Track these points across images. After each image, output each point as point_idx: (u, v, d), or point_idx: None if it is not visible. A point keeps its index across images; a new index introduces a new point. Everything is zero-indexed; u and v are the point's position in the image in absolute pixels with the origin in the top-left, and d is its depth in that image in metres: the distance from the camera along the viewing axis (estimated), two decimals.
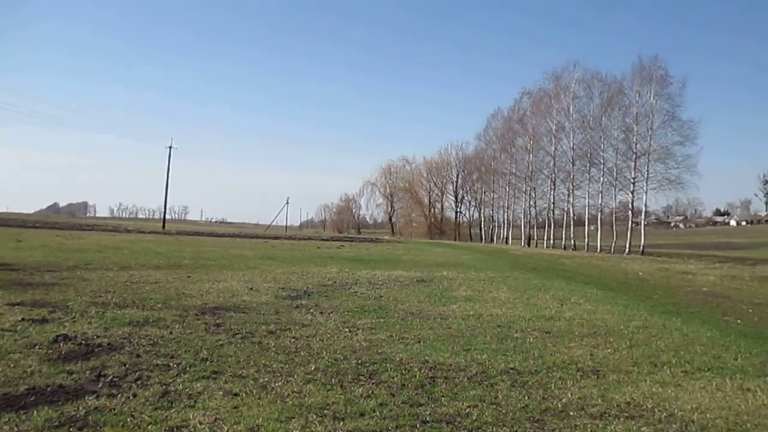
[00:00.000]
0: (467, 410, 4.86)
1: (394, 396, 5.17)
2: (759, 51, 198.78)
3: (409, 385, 5.53)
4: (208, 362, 6.03)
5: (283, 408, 4.71)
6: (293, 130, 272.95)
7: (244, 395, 5.00)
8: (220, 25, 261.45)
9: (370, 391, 5.27)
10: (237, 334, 7.56)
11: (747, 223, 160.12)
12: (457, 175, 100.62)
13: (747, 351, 7.84)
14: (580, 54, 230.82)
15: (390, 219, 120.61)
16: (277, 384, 5.36)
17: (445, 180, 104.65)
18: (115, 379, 5.30)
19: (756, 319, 11.46)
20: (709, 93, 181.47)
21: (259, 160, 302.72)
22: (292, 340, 7.37)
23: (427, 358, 6.66)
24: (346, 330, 8.20)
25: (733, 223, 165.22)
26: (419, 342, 7.55)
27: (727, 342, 8.46)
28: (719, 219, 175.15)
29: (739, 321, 11.15)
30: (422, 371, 6.06)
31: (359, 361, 6.37)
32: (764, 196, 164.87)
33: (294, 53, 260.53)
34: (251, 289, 12.40)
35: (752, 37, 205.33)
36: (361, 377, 5.76)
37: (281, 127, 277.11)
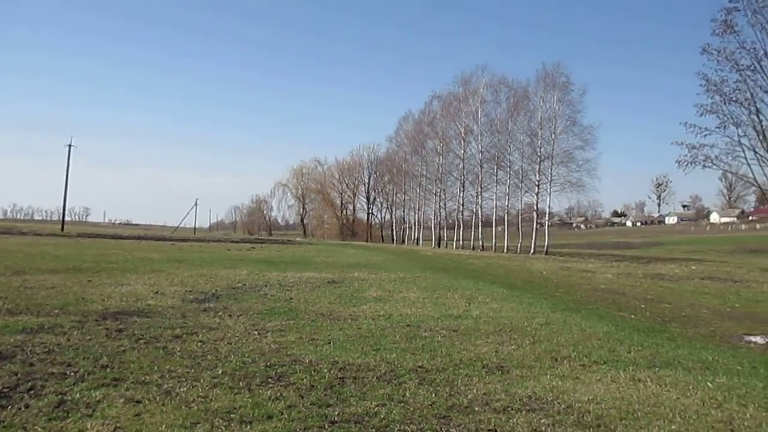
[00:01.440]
0: (376, 409, 4.91)
1: (302, 397, 5.15)
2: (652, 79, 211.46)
3: (318, 386, 5.53)
4: (108, 369, 5.81)
5: (188, 414, 4.60)
6: (202, 130, 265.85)
7: (146, 402, 4.84)
8: (125, 24, 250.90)
9: (279, 394, 5.23)
10: (140, 339, 7.32)
11: (641, 223, 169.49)
12: (369, 177, 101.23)
13: (639, 344, 8.30)
14: (489, 59, 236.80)
15: (302, 220, 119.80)
16: (182, 389, 5.22)
17: (357, 181, 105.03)
18: (4, 390, 5.01)
19: (648, 314, 12.15)
20: (610, 100, 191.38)
21: (167, 161, 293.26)
22: (199, 344, 7.20)
23: (336, 358, 6.67)
24: (255, 332, 8.09)
25: (629, 223, 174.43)
26: (329, 343, 7.55)
27: (622, 336, 8.93)
28: (617, 220, 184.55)
29: (632, 316, 11.79)
30: (332, 372, 6.06)
31: (268, 364, 6.30)
32: (657, 199, 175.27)
33: (200, 55, 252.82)
34: (157, 292, 12.02)
35: (650, 68, 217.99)
36: (270, 380, 5.70)
37: (190, 127, 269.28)
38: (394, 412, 4.86)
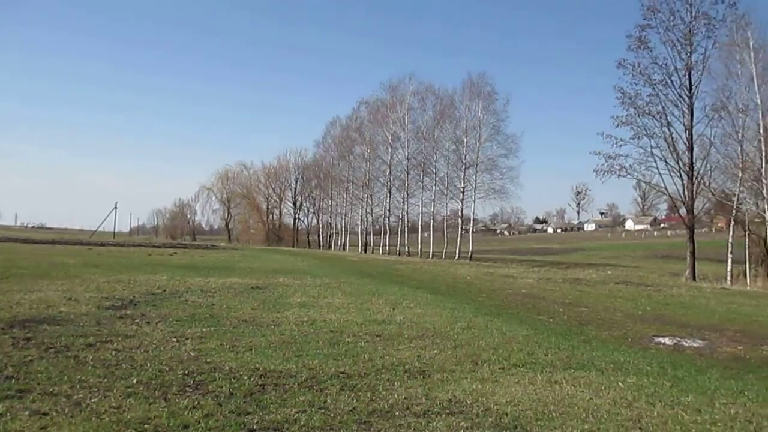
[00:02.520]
0: (296, 416, 4.86)
1: (221, 406, 5.04)
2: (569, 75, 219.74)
3: (238, 394, 5.42)
4: (13, 380, 5.50)
5: (99, 425, 4.41)
6: (122, 131, 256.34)
7: (54, 414, 4.62)
8: (45, 16, 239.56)
9: (196, 402, 5.10)
10: (50, 348, 6.98)
11: (562, 230, 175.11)
12: (296, 182, 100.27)
13: (556, 347, 8.56)
14: (416, 67, 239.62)
15: (227, 225, 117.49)
16: (93, 400, 5.01)
17: (283, 186, 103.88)
18: None
19: (565, 318, 12.56)
20: (531, 110, 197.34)
21: (86, 162, 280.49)
22: (114, 352, 6.93)
23: (258, 365, 6.56)
24: (174, 340, 7.87)
25: (550, 230, 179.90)
26: (251, 350, 7.42)
27: (540, 339, 9.19)
28: (539, 226, 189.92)
29: (551, 320, 12.15)
30: (252, 379, 5.96)
31: (186, 372, 6.14)
32: (576, 206, 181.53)
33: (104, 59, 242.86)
34: (70, 299, 11.51)
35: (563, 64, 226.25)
36: (187, 388, 5.55)
37: (109, 128, 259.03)
38: (315, 418, 4.82)
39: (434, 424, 4.81)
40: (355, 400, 5.37)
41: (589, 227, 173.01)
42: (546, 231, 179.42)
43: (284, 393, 5.53)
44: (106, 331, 8.27)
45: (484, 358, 7.45)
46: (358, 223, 69.38)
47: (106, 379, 5.70)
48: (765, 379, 7.32)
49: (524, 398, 5.65)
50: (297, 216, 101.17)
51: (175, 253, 38.54)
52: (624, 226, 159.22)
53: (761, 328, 12.21)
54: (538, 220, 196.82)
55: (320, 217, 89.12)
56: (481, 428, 4.76)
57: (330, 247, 79.22)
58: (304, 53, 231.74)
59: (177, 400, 5.16)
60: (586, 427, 4.87)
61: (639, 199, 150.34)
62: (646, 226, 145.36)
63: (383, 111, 60.08)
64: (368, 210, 65.98)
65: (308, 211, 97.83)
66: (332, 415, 4.94)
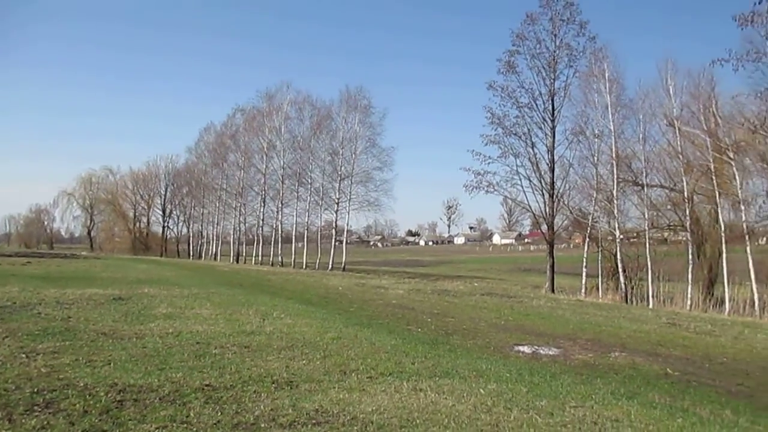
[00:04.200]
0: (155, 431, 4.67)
1: (73, 425, 4.74)
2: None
3: (93, 411, 5.13)
4: None
5: None
6: None
7: None
8: None
9: (46, 422, 4.76)
10: None
11: (433, 243, 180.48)
12: (166, 189, 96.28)
13: (423, 356, 8.78)
14: (293, 76, 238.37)
15: (89, 233, 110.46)
16: None
17: (152, 193, 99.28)
18: None
19: (433, 328, 12.93)
20: (406, 125, 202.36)
21: None
22: None
23: (116, 380, 6.23)
24: (23, 355, 7.30)
25: (422, 242, 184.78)
26: (109, 364, 7.03)
27: (408, 348, 9.38)
28: (411, 239, 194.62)
29: (419, 330, 12.46)
30: (109, 395, 5.65)
31: (35, 390, 5.71)
32: (447, 220, 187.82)
33: None
34: None
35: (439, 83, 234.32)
36: (36, 407, 5.17)
37: None
38: None
39: None
40: (219, 413, 5.24)
41: (459, 241, 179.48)
42: (418, 243, 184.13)
43: (144, 408, 5.29)
44: None
45: (353, 368, 7.51)
46: (231, 232, 67.72)
47: None
48: (611, 384, 7.91)
49: (390, 406, 5.75)
50: (166, 224, 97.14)
51: (29, 262, 35.82)
52: (491, 240, 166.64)
53: (609, 337, 13.19)
54: (410, 233, 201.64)
55: (191, 226, 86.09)
56: None
57: (201, 256, 76.70)
58: (180, 56, 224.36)
59: (24, 420, 4.80)
60: None
61: (505, 215, 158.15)
62: (511, 240, 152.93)
63: (259, 119, 59.23)
64: (241, 219, 64.61)
65: (178, 219, 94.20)
66: (195, 429, 4.80)
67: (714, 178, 24.94)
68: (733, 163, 24.04)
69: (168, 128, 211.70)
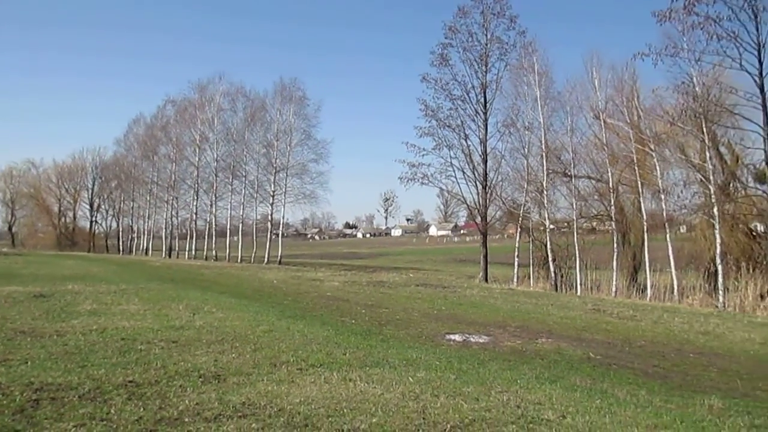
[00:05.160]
0: (73, 430, 4.55)
1: None
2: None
3: (7, 412, 4.95)
4: None
5: None
6: None
7: None
8: None
9: None
10: None
11: (371, 235, 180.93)
12: (94, 182, 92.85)
13: (355, 346, 8.82)
14: (226, 67, 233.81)
15: (10, 229, 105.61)
16: None
17: (79, 187, 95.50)
18: None
19: (367, 319, 12.99)
20: (341, 119, 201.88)
21: None
22: None
23: (32, 379, 6.02)
24: None
25: (360, 235, 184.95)
26: (26, 363, 6.78)
27: (340, 340, 9.41)
28: (349, 231, 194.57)
29: (353, 321, 12.51)
30: (25, 394, 5.46)
31: None
32: (385, 212, 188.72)
33: None
34: None
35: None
36: None
37: None
38: (95, 431, 4.54)
39: (225, 427, 4.75)
40: (142, 409, 5.13)
41: (396, 232, 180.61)
42: (356, 236, 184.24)
43: (62, 407, 5.13)
44: None
45: (283, 360, 7.47)
46: (163, 226, 66.04)
47: None
48: (536, 369, 8.16)
49: (318, 397, 5.76)
50: (94, 219, 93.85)
51: None
52: (428, 232, 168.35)
53: (538, 324, 13.57)
54: (348, 225, 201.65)
55: (120, 220, 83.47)
56: (273, 428, 4.78)
57: (131, 251, 74.60)
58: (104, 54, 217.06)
59: None
60: (374, 420, 5.08)
61: (442, 207, 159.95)
62: (447, 232, 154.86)
63: (191, 111, 57.76)
64: (174, 213, 63.07)
65: (107, 213, 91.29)
66: (115, 426, 4.69)
67: (637, 168, 25.85)
68: (654, 154, 24.98)
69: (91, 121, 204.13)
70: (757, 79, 19.86)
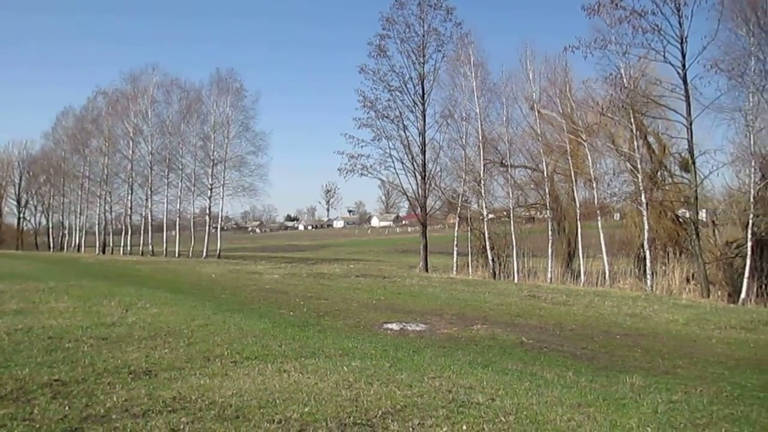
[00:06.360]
0: None
1: None
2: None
3: None
4: None
5: None
6: None
7: None
8: None
9: None
10: None
11: (313, 227, 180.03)
12: (21, 177, 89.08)
13: (291, 338, 8.81)
14: (158, 58, 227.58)
15: None
16: None
17: (5, 182, 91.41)
18: None
19: (305, 310, 12.95)
20: (282, 112, 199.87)
21: None
22: None
23: None
24: None
25: (301, 227, 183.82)
26: None
27: (277, 332, 9.37)
28: (290, 224, 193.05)
29: (291, 313, 12.45)
30: None
31: None
32: (326, 204, 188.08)
33: None
34: None
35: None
36: None
37: None
38: (17, 431, 4.41)
39: (153, 422, 4.68)
40: (67, 408, 5.01)
41: (338, 224, 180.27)
42: (297, 228, 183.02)
43: None
44: None
45: (217, 354, 7.40)
46: (96, 222, 64.00)
47: None
48: (470, 355, 8.33)
49: (251, 389, 5.73)
50: (22, 215, 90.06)
51: None
52: (370, 223, 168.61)
53: (474, 311, 13.82)
54: (289, 218, 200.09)
55: (50, 217, 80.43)
56: (203, 421, 4.74)
57: (63, 248, 72.07)
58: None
59: None
60: (306, 409, 5.10)
61: (383, 198, 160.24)
62: (389, 223, 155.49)
63: (123, 102, 56.06)
64: (107, 208, 61.16)
65: (36, 209, 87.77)
66: (38, 425, 4.56)
67: (570, 158, 26.59)
68: (586, 144, 25.73)
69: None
70: (680, 70, 20.67)
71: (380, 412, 5.08)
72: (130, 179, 56.08)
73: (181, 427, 4.60)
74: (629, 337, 10.89)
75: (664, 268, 22.74)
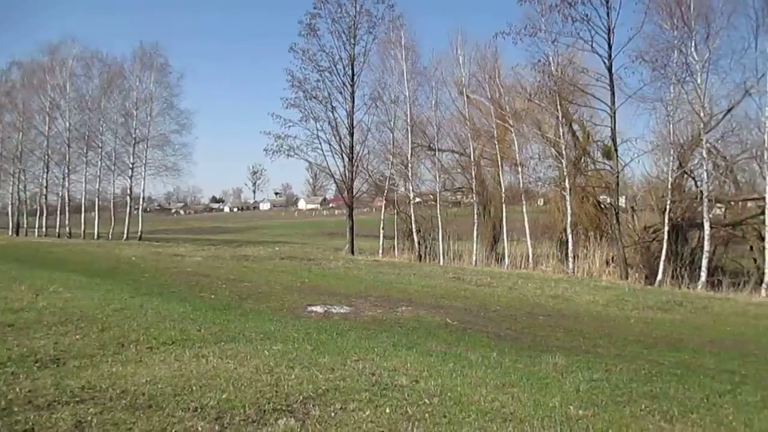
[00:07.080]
0: None
1: None
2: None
3: None
4: None
5: None
6: None
7: None
8: None
9: None
10: None
11: (239, 209, 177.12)
12: None
13: (211, 322, 8.56)
14: (77, 29, 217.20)
15: None
16: None
17: None
18: None
19: (227, 293, 12.67)
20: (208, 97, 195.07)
21: None
22: None
23: None
24: None
25: (227, 209, 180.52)
26: None
27: (196, 316, 9.10)
28: (216, 206, 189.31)
29: (212, 296, 12.16)
30: None
31: None
32: (253, 186, 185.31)
33: None
34: None
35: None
36: None
37: None
38: None
39: (58, 415, 4.40)
40: None
41: (265, 206, 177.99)
42: (223, 210, 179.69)
43: None
44: None
45: (132, 339, 7.10)
46: (9, 201, 60.79)
47: None
48: (394, 337, 8.33)
49: (167, 375, 5.51)
50: None
51: None
52: (297, 206, 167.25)
53: (399, 293, 13.88)
54: (215, 200, 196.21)
55: None
56: (112, 412, 4.50)
57: None
58: None
59: None
60: (224, 396, 4.93)
61: (311, 180, 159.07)
62: (316, 205, 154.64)
63: (40, 75, 53.25)
64: (21, 187, 58.19)
65: None
66: None
67: (497, 143, 27.04)
68: (513, 129, 26.20)
69: None
70: (606, 60, 21.33)
71: (301, 397, 4.98)
72: (46, 157, 53.40)
73: (88, 418, 4.35)
74: (552, 317, 11.17)
75: (585, 251, 23.53)
